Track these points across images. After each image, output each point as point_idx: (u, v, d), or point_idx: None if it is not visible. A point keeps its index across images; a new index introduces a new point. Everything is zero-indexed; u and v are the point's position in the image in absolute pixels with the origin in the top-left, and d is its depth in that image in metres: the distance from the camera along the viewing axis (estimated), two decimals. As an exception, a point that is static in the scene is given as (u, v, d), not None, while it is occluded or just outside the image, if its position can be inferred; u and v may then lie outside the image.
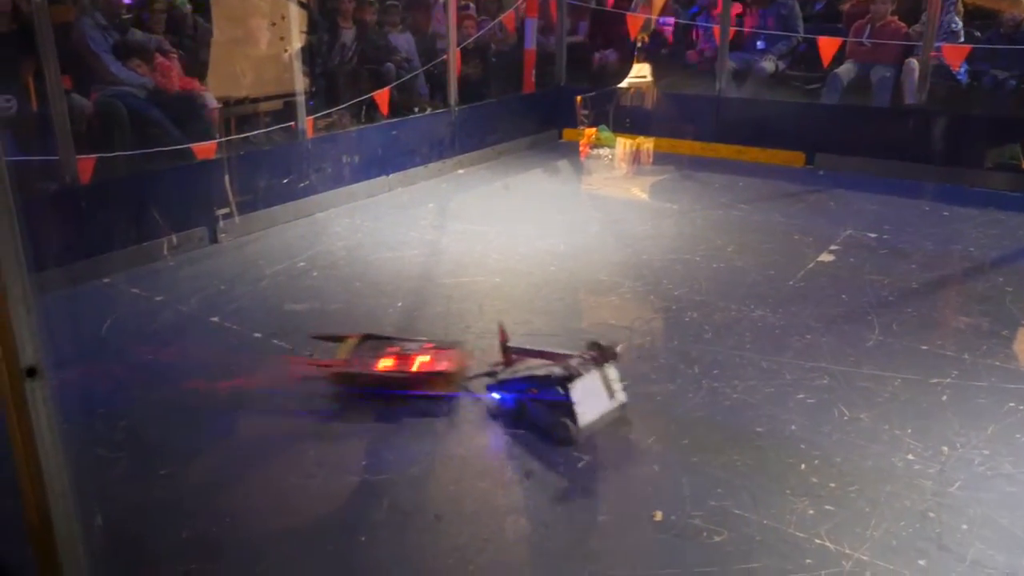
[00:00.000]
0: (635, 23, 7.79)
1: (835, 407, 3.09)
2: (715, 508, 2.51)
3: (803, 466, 2.72)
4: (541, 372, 2.99)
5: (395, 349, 3.28)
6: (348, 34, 7.43)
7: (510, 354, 3.26)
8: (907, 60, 7.04)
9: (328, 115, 6.40)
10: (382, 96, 6.57)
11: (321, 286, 4.35)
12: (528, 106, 8.00)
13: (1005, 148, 6.16)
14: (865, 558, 2.29)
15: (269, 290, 4.31)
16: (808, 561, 2.28)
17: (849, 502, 2.53)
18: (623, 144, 7.04)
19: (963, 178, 6.19)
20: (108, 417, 3.04)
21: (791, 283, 4.31)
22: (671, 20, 8.64)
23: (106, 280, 4.43)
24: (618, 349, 3.03)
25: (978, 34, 7.23)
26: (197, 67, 6.20)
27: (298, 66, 5.57)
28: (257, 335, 3.75)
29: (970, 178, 6.19)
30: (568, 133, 7.95)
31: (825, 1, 8.51)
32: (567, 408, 2.82)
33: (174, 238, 4.81)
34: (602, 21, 8.92)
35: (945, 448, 2.82)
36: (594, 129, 7.32)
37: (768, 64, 7.78)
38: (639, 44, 7.75)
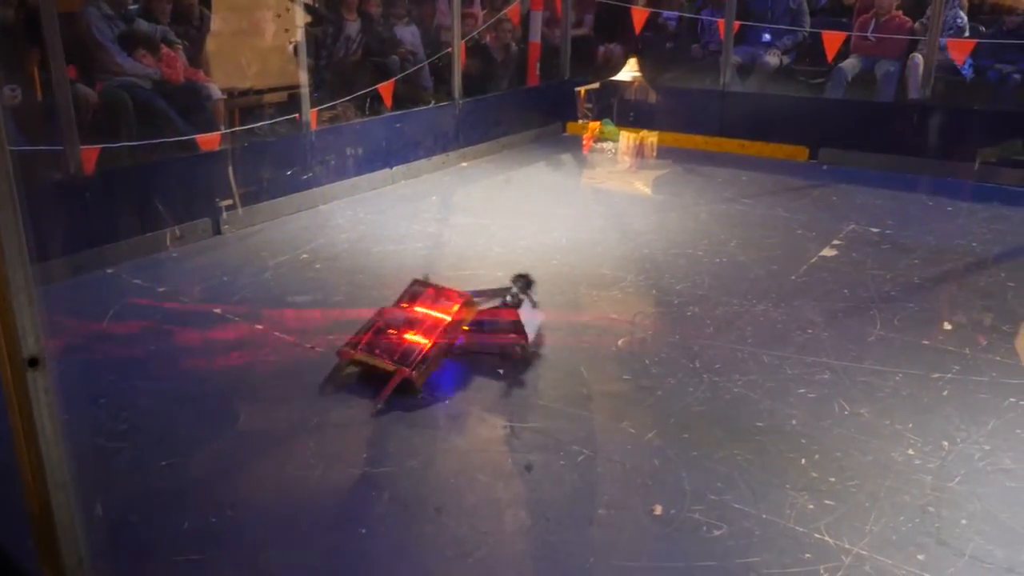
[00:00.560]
0: (640, 16, 7.77)
1: (836, 402, 3.09)
2: (715, 502, 2.52)
3: (803, 460, 2.73)
4: (487, 306, 3.48)
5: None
6: (353, 26, 7.42)
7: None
8: (912, 55, 7.02)
9: (332, 107, 6.40)
10: (386, 88, 6.56)
11: (324, 278, 4.35)
12: (532, 99, 7.99)
13: (1008, 144, 6.13)
14: (864, 553, 2.29)
15: (272, 282, 4.32)
16: (807, 555, 2.29)
17: (849, 497, 2.54)
18: (627, 138, 7.03)
19: (967, 173, 6.16)
20: (110, 407, 3.05)
21: (793, 278, 4.31)
22: (675, 14, 8.62)
23: (109, 270, 4.44)
24: (533, 277, 3.65)
25: (983, 29, 7.21)
26: (202, 58, 6.20)
27: (303, 58, 5.57)
28: (259, 327, 3.76)
29: (974, 173, 6.17)
30: (572, 127, 7.94)
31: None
32: (517, 330, 3.40)
33: (177, 229, 4.82)
34: (607, 14, 8.89)
35: (945, 443, 2.82)
36: (598, 123, 7.31)
37: (772, 58, 7.76)
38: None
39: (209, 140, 5.38)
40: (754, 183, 6.25)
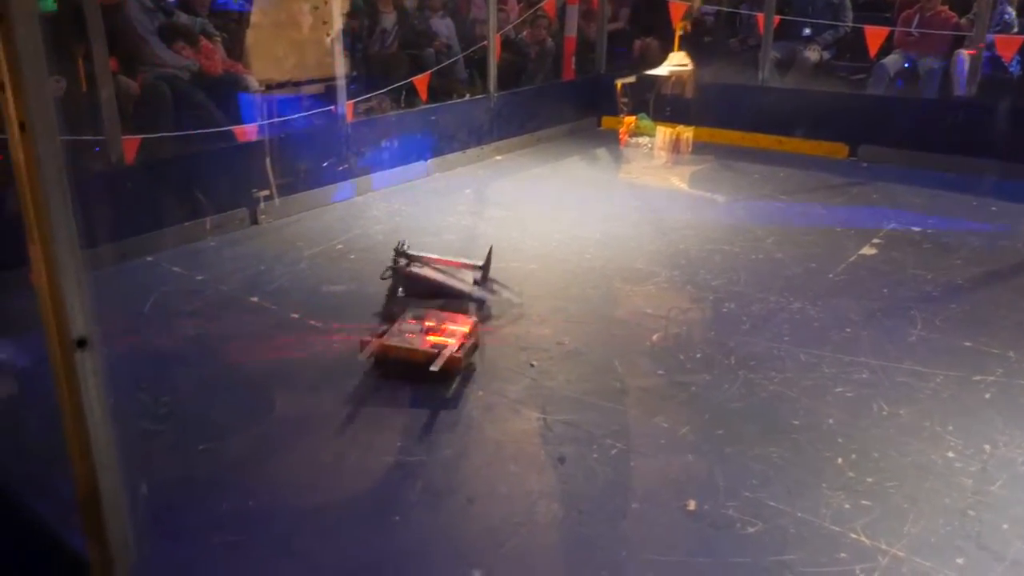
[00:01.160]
0: (677, 10, 7.71)
1: (874, 402, 3.05)
2: (749, 499, 2.50)
3: (840, 460, 2.69)
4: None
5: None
6: (389, 19, 7.47)
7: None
8: (957, 51, 6.88)
9: (368, 99, 6.44)
10: (422, 81, 6.59)
11: (359, 268, 4.38)
12: (567, 93, 7.97)
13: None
14: (901, 554, 2.26)
15: (307, 271, 4.36)
16: (843, 555, 2.26)
17: (887, 498, 2.50)
18: (663, 133, 6.99)
19: (1014, 172, 6.03)
20: (150, 392, 3.10)
21: (831, 276, 4.25)
22: (713, 9, 8.54)
23: (149, 259, 4.50)
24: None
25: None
26: (240, 51, 6.27)
27: (339, 50, 5.60)
28: (295, 315, 3.79)
29: (1021, 172, 6.04)
30: (607, 121, 7.90)
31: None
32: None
33: (216, 219, 4.88)
34: (644, 8, 8.84)
35: (987, 446, 2.77)
36: (633, 117, 7.27)
37: (812, 53, 7.66)
38: (681, 32, 7.67)
39: (246, 131, 5.44)
40: (792, 180, 6.18)
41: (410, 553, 2.30)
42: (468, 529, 2.41)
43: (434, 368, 3.04)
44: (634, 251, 4.65)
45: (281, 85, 6.20)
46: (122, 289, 4.09)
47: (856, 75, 7.55)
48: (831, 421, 2.92)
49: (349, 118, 5.74)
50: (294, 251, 4.66)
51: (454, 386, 3.15)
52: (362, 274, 4.29)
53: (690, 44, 7.69)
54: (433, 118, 6.37)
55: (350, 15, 6.94)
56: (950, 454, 2.72)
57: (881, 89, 7.16)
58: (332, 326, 3.67)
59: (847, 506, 2.46)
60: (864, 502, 2.48)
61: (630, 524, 2.42)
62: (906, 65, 7.21)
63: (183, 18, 6.04)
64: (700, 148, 6.96)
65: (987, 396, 3.09)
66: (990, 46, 6.56)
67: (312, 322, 3.72)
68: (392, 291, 3.91)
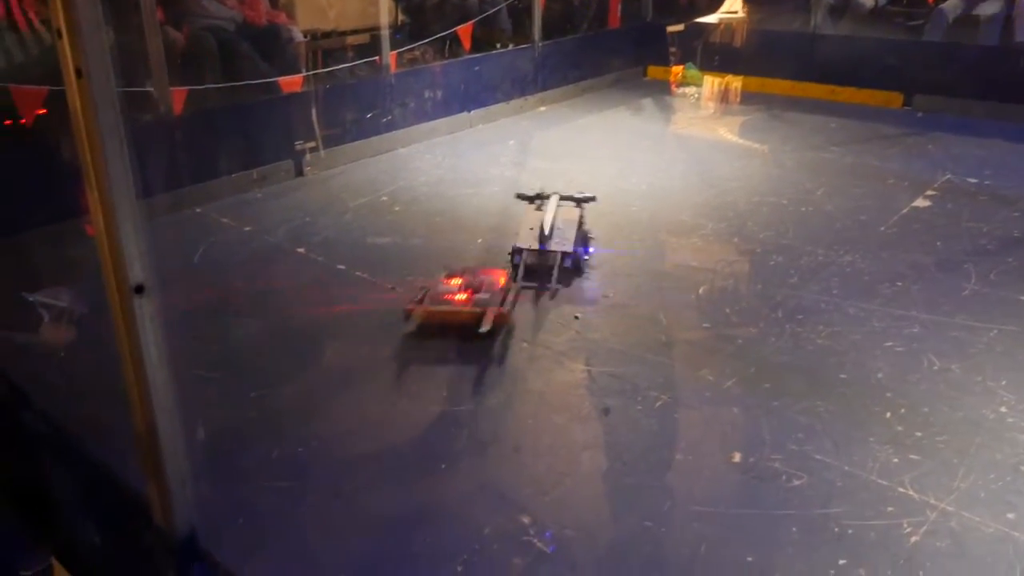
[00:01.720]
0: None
1: (925, 356, 2.99)
2: (795, 452, 2.49)
3: (888, 414, 2.66)
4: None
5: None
6: (432, -33, 7.35)
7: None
8: (1021, -6, 6.59)
9: (411, 50, 6.39)
10: (465, 31, 6.51)
11: (403, 221, 4.40)
12: (613, 42, 7.82)
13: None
14: (951, 509, 2.24)
15: (352, 223, 4.39)
16: (890, 509, 2.25)
17: (936, 452, 2.47)
18: (711, 82, 6.84)
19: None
20: (202, 340, 3.17)
21: (883, 229, 4.16)
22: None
23: (198, 210, 4.57)
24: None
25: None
26: (284, 1, 6.25)
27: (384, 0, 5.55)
28: (341, 267, 3.83)
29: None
30: (653, 70, 7.75)
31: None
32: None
33: (262, 170, 4.92)
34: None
35: (1042, 402, 2.71)
36: (681, 67, 7.12)
37: (868, -1, 7.40)
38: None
39: (291, 82, 5.44)
40: (844, 130, 6.02)
41: (457, 498, 2.34)
42: (514, 477, 2.43)
43: (483, 329, 3.04)
44: (680, 203, 4.59)
45: (326, 35, 6.18)
46: (172, 240, 4.16)
47: (913, 21, 7.27)
48: (880, 375, 2.88)
49: (393, 69, 5.70)
50: (339, 203, 4.69)
51: (499, 338, 3.17)
52: (406, 226, 4.31)
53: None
54: (477, 68, 6.31)
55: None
56: (1003, 409, 2.68)
57: (938, 36, 6.89)
58: (379, 281, 3.70)
59: (895, 460, 2.44)
60: (913, 456, 2.45)
61: (674, 475, 2.43)
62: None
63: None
64: (749, 98, 6.80)
65: (1043, 352, 3.02)
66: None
67: (358, 273, 3.76)
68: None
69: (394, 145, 5.67)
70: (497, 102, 6.49)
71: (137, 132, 4.39)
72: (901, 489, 2.32)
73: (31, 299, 3.18)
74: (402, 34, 6.50)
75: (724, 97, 6.75)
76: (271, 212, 4.57)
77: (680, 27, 7.13)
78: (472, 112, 6.26)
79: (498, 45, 7.15)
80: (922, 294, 3.46)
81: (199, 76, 5.30)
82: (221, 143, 4.80)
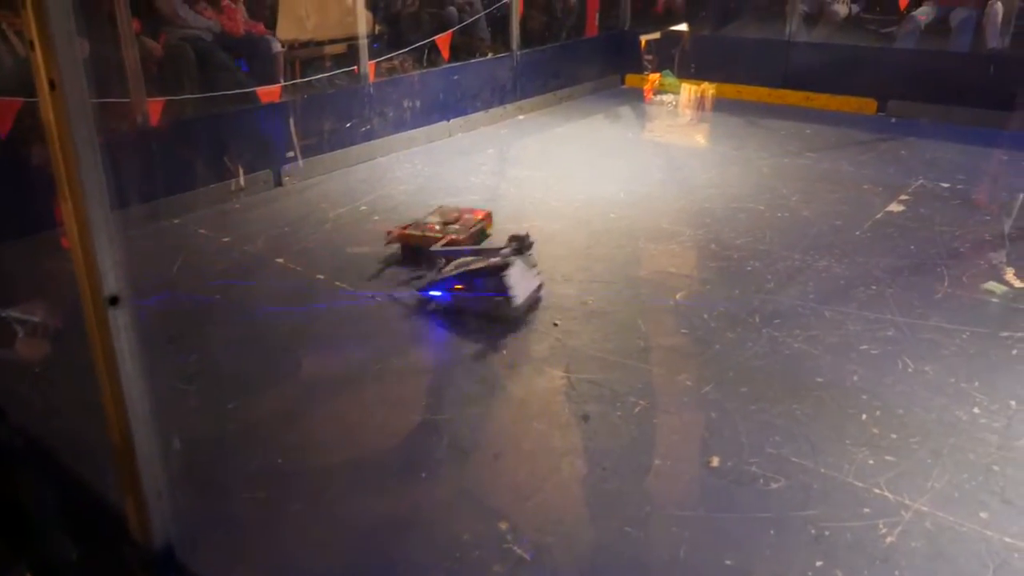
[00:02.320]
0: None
1: (899, 359, 3.03)
2: (773, 456, 2.51)
3: (864, 416, 2.69)
4: (477, 266, 3.43)
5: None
6: (410, -24, 7.36)
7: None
8: (990, 2, 6.70)
9: (390, 59, 6.40)
10: (444, 40, 6.53)
11: (383, 230, 4.38)
12: (591, 51, 7.87)
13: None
14: (925, 509, 2.27)
15: (332, 233, 4.39)
16: (866, 510, 2.27)
17: (910, 453, 2.50)
18: (687, 90, 6.90)
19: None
20: (180, 352, 3.16)
21: (858, 233, 4.21)
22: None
23: (176, 220, 4.55)
24: (532, 239, 3.57)
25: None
26: (262, 11, 6.24)
27: (361, 9, 5.56)
28: (320, 276, 3.83)
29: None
30: (631, 79, 7.81)
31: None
32: (503, 292, 3.29)
33: (241, 180, 4.90)
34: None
35: (1013, 402, 2.75)
36: (658, 75, 7.18)
37: (841, 7, 7.50)
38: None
39: (270, 92, 5.44)
40: (819, 136, 6.09)
41: (438, 507, 2.35)
42: (494, 485, 2.44)
43: (435, 248, 3.56)
44: (659, 210, 4.62)
45: (304, 45, 6.17)
46: (149, 251, 4.14)
47: (886, 28, 7.38)
48: (855, 378, 2.92)
49: (371, 78, 5.71)
50: (318, 212, 4.68)
51: (479, 346, 3.17)
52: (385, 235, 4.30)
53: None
54: (455, 77, 6.33)
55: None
56: (975, 410, 2.72)
57: (911, 43, 7.00)
58: (359, 291, 3.70)
59: (871, 462, 2.47)
60: (888, 458, 2.48)
61: (654, 480, 2.45)
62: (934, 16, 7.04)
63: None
64: (726, 105, 6.87)
65: (1014, 352, 3.07)
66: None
67: (338, 283, 3.75)
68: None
69: (373, 154, 5.67)
70: (476, 111, 6.51)
71: (113, 143, 4.41)
72: (877, 490, 2.35)
73: (4, 315, 3.16)
74: (380, 44, 6.50)
75: (701, 104, 6.81)
76: (250, 222, 4.56)
77: (655, 35, 7.19)
78: (451, 121, 6.28)
79: (477, 54, 7.17)
80: (896, 297, 3.51)
81: (176, 86, 5.29)
82: (199, 154, 4.78)
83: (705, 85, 6.85)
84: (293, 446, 2.62)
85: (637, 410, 2.76)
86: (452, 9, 7.27)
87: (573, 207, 4.68)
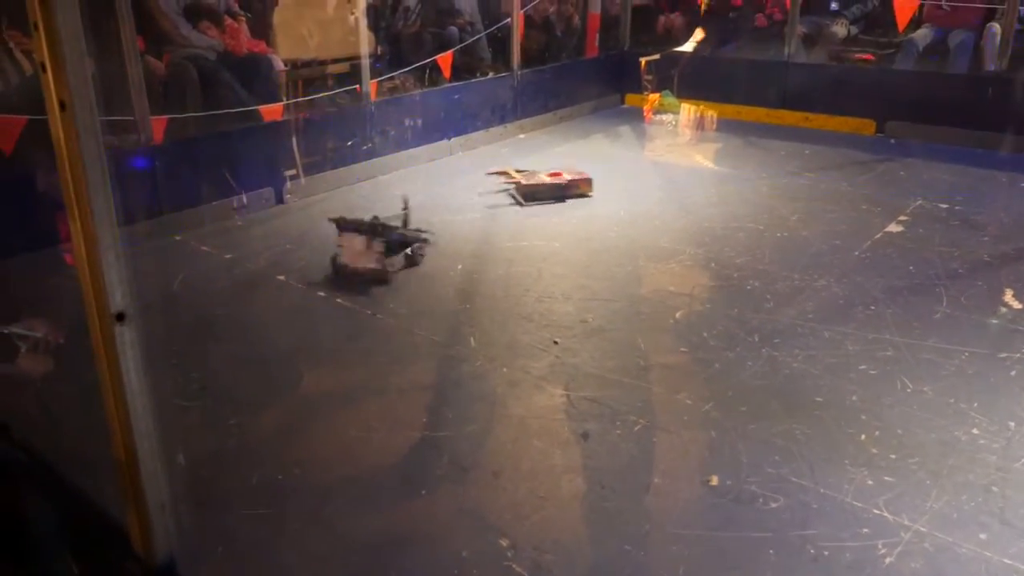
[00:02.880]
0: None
1: (898, 379, 3.04)
2: (772, 475, 2.52)
3: (863, 437, 2.70)
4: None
5: None
6: (412, -3, 7.44)
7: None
8: (988, 24, 6.76)
9: (391, 78, 6.45)
10: (445, 59, 6.58)
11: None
12: (591, 71, 7.93)
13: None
14: (924, 529, 2.27)
15: (333, 250, 4.39)
16: (865, 530, 2.28)
17: (909, 474, 2.51)
18: (687, 110, 6.94)
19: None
20: (181, 368, 3.17)
21: (857, 253, 4.23)
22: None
23: (178, 237, 4.57)
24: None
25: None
26: (265, 30, 6.30)
27: (364, 28, 5.61)
28: (321, 293, 3.84)
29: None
30: (631, 98, 7.86)
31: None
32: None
33: (244, 197, 4.93)
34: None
35: (1012, 423, 2.76)
36: (658, 95, 7.23)
37: (840, 28, 7.56)
38: (704, 8, 7.60)
39: (272, 111, 5.48)
40: (818, 157, 6.13)
41: (438, 524, 2.35)
42: (494, 502, 2.44)
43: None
44: (658, 229, 4.65)
45: (306, 64, 6.22)
46: (151, 267, 4.16)
47: (884, 50, 7.44)
48: (854, 398, 2.93)
49: (373, 97, 5.75)
50: (320, 230, 4.69)
51: (479, 363, 3.19)
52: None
53: (716, 19, 7.62)
54: (456, 96, 6.37)
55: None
56: (974, 431, 2.72)
57: (909, 64, 7.06)
58: (359, 308, 3.71)
59: (870, 482, 2.47)
60: (887, 478, 2.49)
61: (653, 499, 2.45)
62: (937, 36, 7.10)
63: (208, -3, 6.07)
64: (725, 126, 6.91)
65: (1012, 373, 3.08)
66: (1022, 18, 6.44)
67: (339, 300, 3.77)
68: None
69: (374, 173, 5.71)
70: (477, 130, 6.55)
71: (117, 160, 4.44)
72: (876, 511, 2.35)
73: (7, 331, 3.17)
74: (382, 63, 6.55)
75: (701, 124, 6.85)
76: (252, 239, 4.58)
77: (656, 56, 7.25)
78: (452, 140, 6.32)
79: (478, 74, 7.23)
80: (895, 317, 3.53)
81: (179, 105, 5.33)
82: (201, 171, 4.81)
83: (704, 105, 6.90)
84: (293, 462, 2.62)
85: (637, 428, 2.77)
86: (453, 29, 7.34)
87: (572, 225, 4.71)
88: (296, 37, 6.14)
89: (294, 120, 5.26)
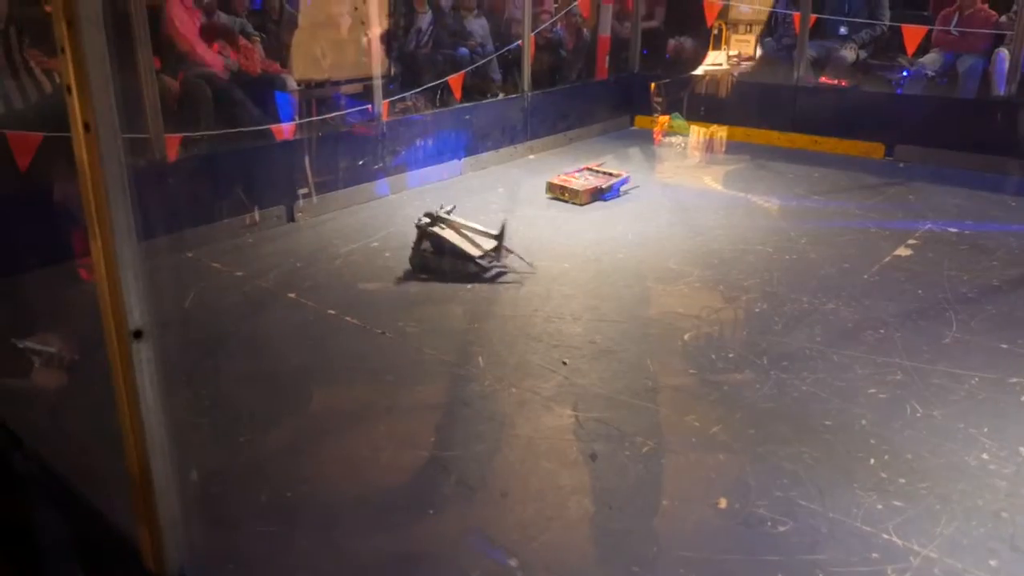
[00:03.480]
0: (712, 9, 7.69)
1: (907, 403, 3.04)
2: (780, 499, 2.51)
3: (872, 461, 2.70)
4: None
5: None
6: (424, 18, 7.53)
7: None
8: (997, 50, 6.79)
9: (403, 99, 6.51)
10: (456, 80, 6.64)
11: (393, 266, 4.45)
12: (601, 92, 7.98)
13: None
14: (934, 555, 2.26)
15: (343, 269, 4.43)
16: (874, 555, 2.27)
17: (919, 499, 2.50)
18: (696, 132, 6.98)
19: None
20: (192, 385, 3.19)
21: (866, 277, 4.24)
22: (748, 8, 8.50)
23: (189, 254, 4.60)
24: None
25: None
26: (279, 50, 6.37)
27: (377, 50, 5.67)
28: (331, 311, 3.86)
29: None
30: (640, 120, 7.90)
31: (911, -13, 8.26)
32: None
33: (256, 215, 4.97)
34: (678, 6, 8.82)
35: (1022, 448, 2.75)
36: (667, 117, 7.27)
37: (849, 53, 7.60)
38: (715, 31, 7.66)
39: (284, 130, 5.53)
40: (827, 180, 6.15)
41: (445, 544, 2.35)
42: (502, 523, 2.45)
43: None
44: (667, 250, 4.66)
45: (320, 84, 6.29)
46: (163, 284, 4.18)
47: (893, 75, 7.47)
48: (863, 422, 2.92)
49: (385, 117, 5.80)
50: (330, 248, 4.74)
51: (487, 383, 3.20)
52: (396, 272, 4.35)
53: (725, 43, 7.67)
54: (467, 117, 6.42)
55: (388, 15, 7.02)
56: (984, 456, 2.72)
57: (918, 88, 7.08)
58: (369, 326, 3.73)
59: (879, 507, 2.47)
60: (896, 503, 2.48)
61: (661, 521, 2.45)
62: (947, 59, 7.12)
63: (223, 18, 6.15)
64: (734, 148, 6.95)
65: (1022, 399, 3.07)
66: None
67: (348, 319, 3.79)
68: (416, 244, 4.36)
69: (385, 192, 5.74)
70: (487, 150, 6.60)
71: (131, 178, 4.49)
72: (885, 535, 2.34)
73: (21, 345, 3.20)
74: (395, 84, 6.62)
75: (710, 147, 6.88)
76: (263, 257, 4.61)
77: (665, 79, 7.30)
78: (462, 160, 6.36)
79: (488, 95, 7.28)
80: (904, 341, 3.52)
81: (193, 123, 5.39)
82: (213, 189, 4.86)
83: (715, 128, 6.94)
84: (302, 480, 2.63)
85: (645, 450, 2.77)
86: (464, 50, 7.41)
87: (582, 246, 4.73)
88: (310, 58, 6.21)
89: (306, 139, 5.31)
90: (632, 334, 3.64)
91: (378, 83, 5.69)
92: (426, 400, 3.13)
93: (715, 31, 7.71)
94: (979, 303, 3.91)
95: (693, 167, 6.64)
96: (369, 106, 5.75)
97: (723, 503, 2.50)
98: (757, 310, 3.86)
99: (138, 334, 1.38)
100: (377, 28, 5.66)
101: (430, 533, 2.40)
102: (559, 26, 8.30)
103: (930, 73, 7.09)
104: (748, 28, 8.43)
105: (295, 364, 3.41)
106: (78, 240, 3.74)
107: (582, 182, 5.68)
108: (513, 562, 2.24)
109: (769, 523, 2.40)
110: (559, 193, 5.64)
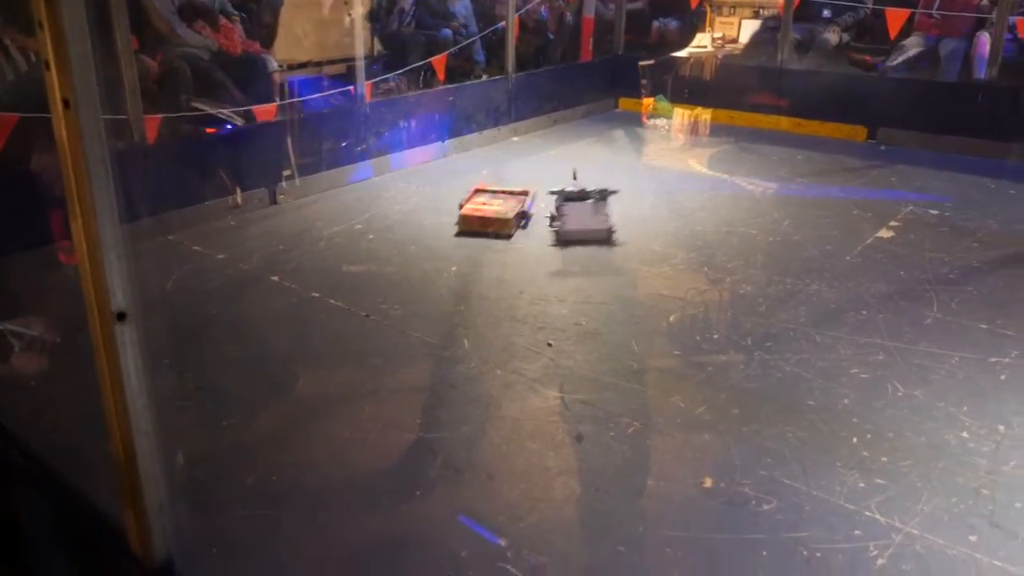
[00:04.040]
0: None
1: (889, 383, 3.07)
2: (764, 477, 2.53)
3: (855, 440, 2.72)
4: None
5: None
6: (407, -1, 7.45)
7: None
8: (978, 33, 6.82)
9: (386, 80, 6.45)
10: (439, 62, 6.59)
11: (377, 248, 4.42)
12: (585, 75, 7.96)
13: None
14: (915, 532, 2.29)
15: (327, 251, 4.40)
16: (857, 532, 2.29)
17: (900, 476, 2.53)
18: (680, 115, 6.97)
19: (1032, 156, 6.00)
20: (176, 368, 3.16)
21: (848, 258, 4.26)
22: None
23: (171, 237, 4.56)
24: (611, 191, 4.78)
25: (1055, 6, 6.97)
26: (259, 31, 6.29)
27: (359, 30, 5.61)
28: (315, 294, 3.84)
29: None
30: (624, 102, 7.89)
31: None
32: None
33: (238, 198, 4.92)
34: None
35: (1001, 427, 2.79)
36: (651, 99, 7.26)
37: (832, 35, 7.61)
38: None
39: (266, 111, 5.48)
40: (810, 162, 6.17)
41: (432, 525, 2.35)
42: (488, 503, 2.45)
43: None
44: (651, 233, 4.66)
45: (301, 65, 6.23)
46: (144, 267, 4.14)
47: (876, 57, 7.49)
48: (846, 401, 2.95)
49: (367, 98, 5.76)
50: (313, 231, 4.70)
51: (473, 365, 3.19)
52: (380, 255, 4.33)
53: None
54: (451, 99, 6.38)
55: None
56: (964, 434, 2.75)
57: (901, 72, 7.11)
58: (354, 309, 3.72)
59: (861, 484, 2.49)
60: (878, 480, 2.51)
61: (647, 501, 2.46)
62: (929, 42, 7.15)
63: (202, -3, 6.06)
64: (718, 130, 6.94)
65: (1002, 378, 3.11)
66: (1012, 28, 6.50)
67: (333, 301, 3.77)
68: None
69: (368, 174, 5.71)
70: (471, 132, 6.56)
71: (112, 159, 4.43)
72: (868, 513, 2.37)
73: (1, 329, 3.16)
74: (378, 65, 6.56)
75: (694, 129, 6.88)
76: (245, 240, 4.57)
77: (651, 61, 7.28)
78: (446, 142, 6.33)
79: (472, 76, 7.24)
80: (887, 322, 3.55)
81: (173, 104, 5.32)
82: (194, 171, 4.80)
83: (699, 110, 6.93)
84: (288, 463, 2.62)
85: (631, 431, 2.78)
86: (447, 31, 7.36)
87: (567, 229, 4.71)
88: (292, 38, 6.15)
89: (288, 120, 5.26)
90: (617, 316, 3.64)
91: (360, 64, 5.63)
92: (412, 382, 3.12)
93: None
94: (960, 284, 3.95)
95: (677, 149, 6.64)
96: (351, 87, 5.70)
97: (708, 483, 2.51)
98: (741, 292, 3.87)
99: (121, 316, 1.36)
100: (360, 7, 5.59)
101: (417, 515, 2.40)
102: (543, 8, 8.26)
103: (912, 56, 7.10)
104: (732, 11, 8.41)
105: (279, 347, 3.40)
106: (56, 222, 3.70)
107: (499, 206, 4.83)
108: (503, 542, 2.25)
109: (753, 502, 2.42)
110: (478, 226, 4.63)
